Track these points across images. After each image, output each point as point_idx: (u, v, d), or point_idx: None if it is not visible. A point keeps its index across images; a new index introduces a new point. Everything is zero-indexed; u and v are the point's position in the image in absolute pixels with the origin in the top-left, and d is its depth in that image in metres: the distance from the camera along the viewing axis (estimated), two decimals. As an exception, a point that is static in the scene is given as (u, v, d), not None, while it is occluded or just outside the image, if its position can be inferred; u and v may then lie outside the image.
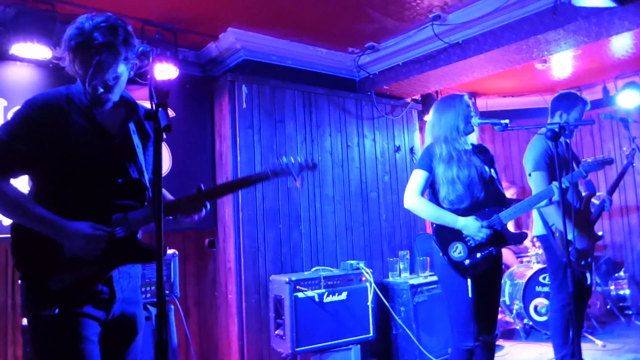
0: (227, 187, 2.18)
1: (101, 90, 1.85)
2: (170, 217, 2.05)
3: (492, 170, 2.99)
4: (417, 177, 2.95)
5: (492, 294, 2.97)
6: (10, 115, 2.07)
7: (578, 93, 3.69)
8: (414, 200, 2.93)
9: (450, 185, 2.87)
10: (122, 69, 1.87)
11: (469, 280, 2.80)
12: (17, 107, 1.90)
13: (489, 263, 2.86)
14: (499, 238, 2.88)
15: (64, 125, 1.85)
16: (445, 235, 2.88)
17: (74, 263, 1.83)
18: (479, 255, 2.84)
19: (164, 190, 2.15)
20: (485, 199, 2.90)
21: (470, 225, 2.82)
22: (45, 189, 1.88)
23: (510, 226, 6.39)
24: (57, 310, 1.78)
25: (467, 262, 2.82)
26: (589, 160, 3.18)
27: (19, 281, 3.22)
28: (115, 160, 1.93)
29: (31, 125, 1.82)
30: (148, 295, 3.49)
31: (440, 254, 2.86)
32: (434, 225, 2.92)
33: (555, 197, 2.95)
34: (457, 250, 2.85)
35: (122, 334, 2.00)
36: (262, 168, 2.48)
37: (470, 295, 2.78)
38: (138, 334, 2.05)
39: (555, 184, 2.92)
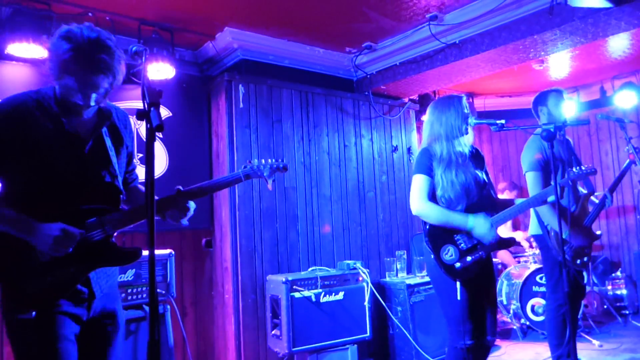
0: (203, 189, 2.15)
1: (84, 102, 1.85)
2: (157, 218, 2.03)
3: (484, 174, 3.02)
4: (420, 182, 2.93)
5: (486, 297, 2.97)
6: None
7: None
8: (422, 205, 2.89)
9: (449, 185, 2.87)
10: (108, 84, 1.89)
11: (457, 283, 2.82)
12: None
13: (480, 267, 2.88)
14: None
15: (32, 129, 1.84)
16: (438, 237, 2.88)
17: (50, 266, 1.83)
18: (469, 258, 2.84)
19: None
20: (478, 202, 2.93)
21: (481, 225, 2.81)
22: (16, 194, 1.87)
23: (507, 225, 6.41)
24: (34, 314, 1.78)
25: (457, 265, 2.83)
26: (575, 170, 3.20)
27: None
28: (86, 166, 1.93)
29: (0, 131, 1.81)
30: (144, 295, 3.49)
31: (432, 256, 2.86)
32: (427, 227, 2.90)
33: (551, 198, 2.95)
34: (449, 253, 2.85)
35: (104, 329, 2.01)
36: (235, 170, 2.53)
37: (458, 297, 2.80)
38: (119, 329, 2.06)
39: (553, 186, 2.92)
